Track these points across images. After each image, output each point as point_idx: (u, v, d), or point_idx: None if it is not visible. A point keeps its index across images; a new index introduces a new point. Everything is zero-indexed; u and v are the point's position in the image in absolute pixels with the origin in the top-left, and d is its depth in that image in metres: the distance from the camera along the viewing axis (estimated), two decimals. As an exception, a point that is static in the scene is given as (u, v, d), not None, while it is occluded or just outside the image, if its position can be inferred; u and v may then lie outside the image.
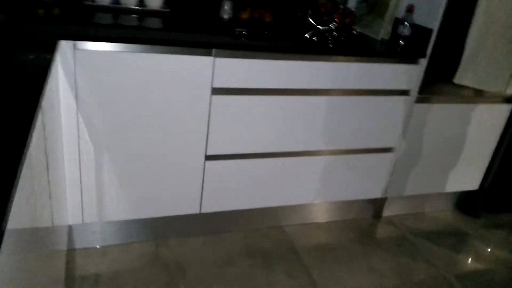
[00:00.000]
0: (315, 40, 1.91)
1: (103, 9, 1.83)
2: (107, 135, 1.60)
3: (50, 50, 1.27)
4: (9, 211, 0.60)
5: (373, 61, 1.84)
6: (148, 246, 1.86)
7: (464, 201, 2.46)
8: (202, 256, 1.85)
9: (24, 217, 0.81)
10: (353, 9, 2.19)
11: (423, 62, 1.91)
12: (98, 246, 1.82)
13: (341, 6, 2.18)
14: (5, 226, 0.57)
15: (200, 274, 1.75)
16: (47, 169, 1.19)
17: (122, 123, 1.59)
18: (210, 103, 1.67)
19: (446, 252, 2.11)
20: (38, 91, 0.95)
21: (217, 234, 2.00)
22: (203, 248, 1.90)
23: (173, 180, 1.76)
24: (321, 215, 2.21)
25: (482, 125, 2.18)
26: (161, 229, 1.91)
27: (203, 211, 1.88)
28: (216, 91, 1.66)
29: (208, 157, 1.77)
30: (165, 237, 1.92)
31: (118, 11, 1.84)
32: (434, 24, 1.87)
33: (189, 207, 1.85)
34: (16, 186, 0.65)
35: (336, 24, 2.05)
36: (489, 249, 2.19)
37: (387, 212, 2.32)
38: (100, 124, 1.57)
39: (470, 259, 2.10)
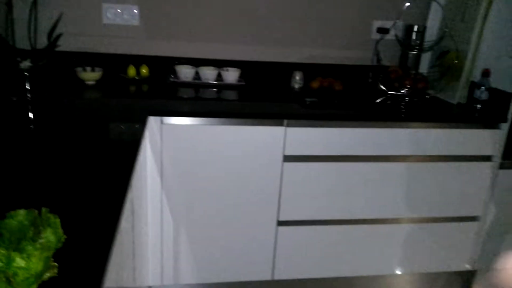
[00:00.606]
0: (387, 106, 1.91)
1: (185, 84, 2.01)
2: (186, 204, 1.70)
3: (139, 122, 1.42)
4: (106, 274, 0.66)
5: (450, 127, 1.79)
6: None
7: None
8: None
9: (112, 278, 0.87)
10: (425, 75, 2.18)
11: (505, 126, 1.82)
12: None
13: (412, 72, 2.19)
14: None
15: None
16: (133, 231, 1.28)
17: (200, 192, 1.69)
18: (282, 170, 1.71)
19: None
20: (131, 164, 1.06)
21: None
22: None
23: (246, 246, 1.79)
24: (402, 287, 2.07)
25: None
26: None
27: (275, 277, 1.86)
28: (287, 158, 1.71)
29: (280, 223, 1.78)
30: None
31: (198, 86, 2.01)
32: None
33: (261, 273, 1.85)
34: (111, 251, 0.72)
35: (407, 90, 2.05)
36: None
37: (476, 286, 2.11)
38: (179, 191, 1.67)
39: None
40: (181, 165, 1.65)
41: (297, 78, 2.11)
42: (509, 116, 1.81)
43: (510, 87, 1.82)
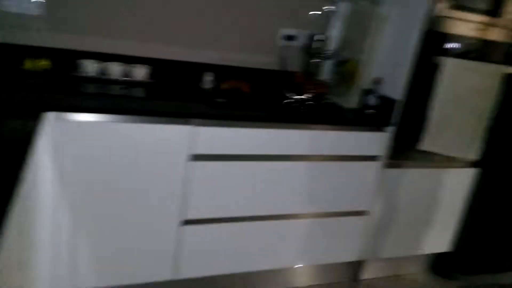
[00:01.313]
0: (291, 109, 2.04)
1: (90, 79, 1.94)
2: (86, 204, 1.64)
3: (35, 119, 1.35)
4: None
5: (344, 129, 1.96)
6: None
7: (437, 263, 2.51)
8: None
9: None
10: (326, 81, 2.36)
11: (390, 130, 2.04)
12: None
13: (315, 78, 2.35)
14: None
15: None
16: (21, 236, 1.22)
17: (98, 189, 1.64)
18: (190, 169, 1.74)
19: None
20: (21, 161, 1.02)
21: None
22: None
23: (146, 246, 1.78)
24: (300, 280, 2.22)
25: (451, 188, 2.29)
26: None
27: (180, 277, 1.88)
28: (197, 157, 1.74)
29: (188, 222, 1.81)
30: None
31: (104, 81, 1.95)
32: (398, 94, 2.02)
33: (162, 273, 1.85)
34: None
35: (310, 94, 2.20)
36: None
37: (365, 275, 2.35)
38: (76, 191, 1.62)
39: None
40: (81, 164, 1.59)
41: (208, 79, 2.15)
42: (393, 120, 2.04)
43: (396, 94, 2.04)
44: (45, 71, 1.91)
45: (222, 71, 2.24)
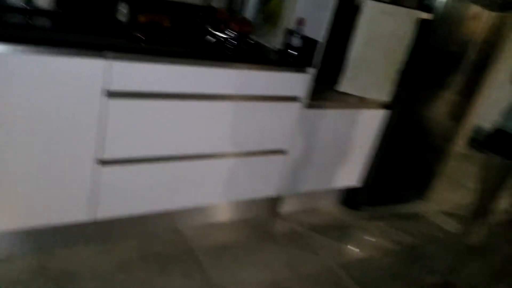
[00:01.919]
0: (214, 46, 1.98)
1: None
2: (-11, 141, 1.50)
3: None
4: None
5: (267, 69, 1.97)
6: (33, 258, 1.75)
7: (348, 197, 2.73)
8: (95, 265, 1.80)
9: None
10: (250, 19, 2.31)
11: (311, 71, 2.09)
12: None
13: (239, 15, 2.29)
14: None
15: (92, 283, 1.70)
16: None
17: (4, 125, 1.50)
18: (106, 107, 1.64)
19: (332, 244, 2.33)
20: None
21: (112, 242, 1.95)
22: (96, 257, 1.84)
23: (58, 186, 1.69)
24: (220, 216, 2.29)
25: (364, 128, 2.45)
26: (48, 239, 1.81)
27: (97, 217, 1.83)
28: (114, 94, 1.64)
29: (105, 162, 1.74)
30: (52, 247, 1.82)
31: (1, 8, 1.72)
32: (320, 36, 2.05)
33: (77, 214, 1.78)
34: None
35: (233, 32, 2.15)
36: (370, 239, 2.46)
37: (283, 209, 2.49)
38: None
39: (353, 249, 2.34)
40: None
41: (122, 10, 1.99)
42: (315, 62, 2.08)
43: (318, 36, 2.06)
44: None
45: (138, 3, 2.08)
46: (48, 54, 1.47)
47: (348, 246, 2.36)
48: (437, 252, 2.47)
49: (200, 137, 1.93)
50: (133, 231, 2.03)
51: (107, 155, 1.73)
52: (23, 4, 1.76)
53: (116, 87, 1.63)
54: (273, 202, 2.44)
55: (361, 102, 2.34)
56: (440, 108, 2.60)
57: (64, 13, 1.86)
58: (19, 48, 1.42)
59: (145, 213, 1.99)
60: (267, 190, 2.30)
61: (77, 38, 1.63)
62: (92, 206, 1.80)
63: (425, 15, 2.22)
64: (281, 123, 2.14)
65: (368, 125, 2.46)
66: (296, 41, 2.11)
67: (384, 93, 2.30)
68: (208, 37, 2.06)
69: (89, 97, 1.60)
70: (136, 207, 1.92)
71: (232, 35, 2.14)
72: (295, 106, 2.13)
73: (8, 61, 1.42)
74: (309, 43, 2.09)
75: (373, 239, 2.46)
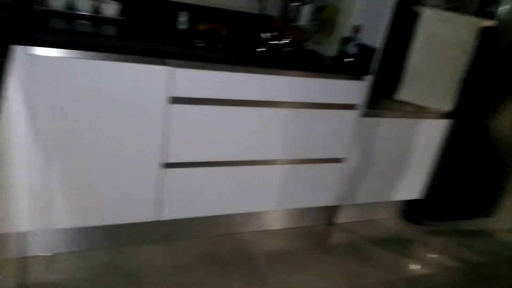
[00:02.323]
0: (269, 54, 1.99)
1: (56, 14, 1.81)
2: (59, 141, 1.57)
3: (4, 54, 1.25)
4: None
5: (323, 77, 1.94)
6: (103, 254, 1.83)
7: (408, 210, 2.60)
8: (159, 264, 1.84)
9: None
10: (304, 27, 2.31)
11: (368, 78, 2.04)
12: (49, 254, 1.77)
13: (293, 24, 2.29)
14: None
15: (157, 281, 1.75)
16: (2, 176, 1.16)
17: (74, 129, 1.58)
18: (169, 112, 1.69)
19: (392, 257, 2.22)
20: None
21: (174, 241, 1.99)
22: (161, 256, 1.89)
23: (127, 188, 1.76)
24: (277, 223, 2.26)
25: (424, 138, 2.34)
26: (116, 237, 1.88)
27: (161, 218, 1.87)
28: (177, 100, 1.69)
29: (169, 165, 1.78)
30: (121, 245, 1.89)
31: (72, 17, 1.83)
32: (378, 43, 2.01)
33: (144, 215, 1.84)
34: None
35: (288, 40, 2.15)
36: (431, 255, 2.32)
37: (340, 219, 2.41)
38: (51, 130, 1.55)
39: (413, 264, 2.22)
40: (54, 102, 1.51)
41: (183, 19, 2.06)
42: (372, 69, 2.03)
43: (375, 43, 2.02)
44: (7, 4, 1.76)
45: (197, 12, 2.14)
46: (114, 60, 1.54)
47: (409, 261, 2.23)
48: (505, 272, 2.28)
49: (257, 144, 1.93)
50: (194, 233, 2.06)
51: (171, 159, 1.78)
52: (92, 13, 1.87)
53: (179, 93, 1.68)
54: (329, 212, 2.37)
55: (421, 111, 2.25)
56: (506, 119, 2.45)
57: (129, 21, 1.95)
58: (88, 54, 1.50)
59: (205, 216, 2.01)
60: (323, 199, 2.24)
61: (142, 45, 1.70)
62: (157, 207, 1.85)
63: (487, 23, 2.11)
64: (338, 131, 2.09)
65: (428, 135, 2.35)
66: (352, 49, 2.09)
67: (445, 102, 2.19)
68: (264, 45, 2.08)
69: (154, 103, 1.66)
70: (197, 210, 1.95)
71: (287, 43, 2.15)
72: (351, 114, 2.08)
73: (78, 66, 1.50)
74: (366, 51, 2.05)
75: (435, 255, 2.32)
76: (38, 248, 1.76)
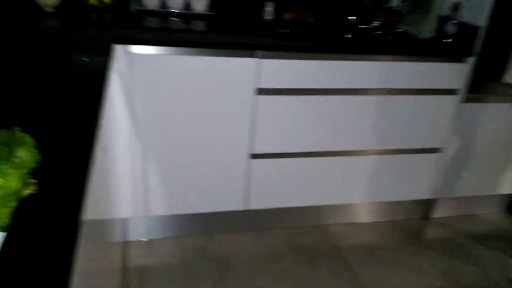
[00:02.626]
0: (358, 39, 1.90)
1: (151, 13, 1.91)
2: (155, 133, 1.67)
3: (103, 53, 1.34)
4: (85, 204, 0.64)
5: (419, 60, 1.82)
6: (196, 240, 1.93)
7: (515, 204, 2.37)
8: (248, 251, 1.89)
9: (90, 210, 0.86)
10: (396, 8, 2.17)
11: (471, 60, 1.86)
12: (145, 239, 1.90)
13: (384, 5, 2.16)
14: (82, 218, 0.61)
15: (246, 268, 1.79)
16: (107, 167, 1.25)
17: (168, 122, 1.66)
18: (256, 104, 1.70)
19: (496, 256, 2.03)
20: (99, 94, 1.01)
21: (263, 230, 2.03)
22: (249, 244, 1.94)
23: (217, 178, 1.82)
24: (366, 216, 2.19)
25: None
26: (208, 224, 1.97)
27: (249, 207, 1.91)
28: (262, 91, 1.69)
29: (255, 156, 1.81)
30: (212, 232, 1.98)
31: (165, 15, 1.91)
32: (481, 21, 1.82)
33: (233, 204, 1.89)
34: (89, 182, 0.70)
35: (379, 23, 2.04)
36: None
37: (436, 213, 2.27)
38: (148, 123, 1.64)
39: (523, 264, 2.02)
40: (150, 96, 1.60)
41: (269, 9, 2.04)
42: (475, 50, 1.85)
43: (478, 21, 1.83)
44: (107, 7, 1.89)
45: (283, 1, 2.11)
46: (205, 55, 1.58)
47: (516, 261, 2.04)
48: None
49: (346, 133, 1.87)
50: (281, 223, 2.07)
51: (257, 150, 1.79)
52: (183, 10, 1.93)
53: (265, 84, 1.68)
54: (424, 205, 2.24)
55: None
56: None
57: (217, 15, 1.98)
58: (181, 50, 1.56)
59: (293, 207, 2.01)
60: (417, 191, 2.12)
61: (230, 39, 1.72)
62: (245, 196, 1.89)
63: None
64: (435, 119, 1.95)
65: (541, 121, 2.10)
66: (451, 28, 1.92)
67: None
68: (353, 29, 1.99)
69: (243, 95, 1.68)
70: (284, 200, 1.96)
71: (378, 26, 2.04)
72: (451, 100, 1.92)
73: (172, 62, 1.57)
74: (467, 30, 1.87)
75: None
76: (137, 233, 1.89)
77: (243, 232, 2.00)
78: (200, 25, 1.87)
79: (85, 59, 1.31)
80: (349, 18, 2.07)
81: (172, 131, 1.68)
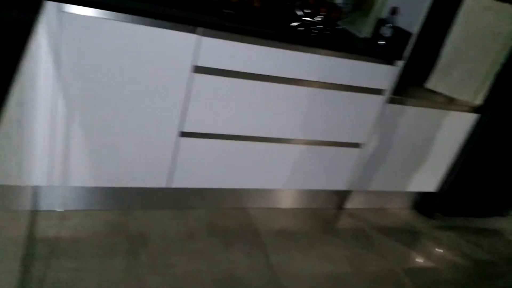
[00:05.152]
0: (301, 30, 1.93)
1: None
2: (82, 100, 1.59)
3: (34, 10, 1.25)
4: None
5: (353, 58, 1.89)
6: (113, 215, 1.88)
7: (422, 202, 2.58)
8: (166, 229, 1.89)
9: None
10: (340, 5, 2.22)
11: (400, 64, 1.97)
12: (61, 210, 1.82)
13: (329, 1, 2.21)
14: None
15: (162, 246, 1.79)
16: (22, 127, 1.19)
17: (98, 90, 1.59)
18: (191, 81, 1.68)
19: (398, 248, 2.22)
20: (20, 50, 0.95)
21: (183, 209, 2.03)
22: (168, 222, 1.93)
23: (144, 153, 1.78)
24: (286, 201, 2.27)
25: (448, 131, 2.29)
26: (127, 200, 1.93)
27: (172, 185, 1.90)
28: (199, 69, 1.67)
29: (184, 134, 1.79)
30: (130, 208, 1.94)
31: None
32: (414, 28, 1.93)
33: (157, 181, 1.87)
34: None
35: (322, 18, 2.08)
36: (438, 249, 2.32)
37: (349, 204, 2.41)
38: (76, 88, 1.56)
39: (419, 256, 2.22)
40: (81, 61, 1.51)
41: (216, -14, 2.00)
42: (405, 55, 1.96)
43: (412, 27, 1.94)
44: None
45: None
46: (145, 24, 1.53)
47: (415, 253, 2.24)
48: (509, 272, 2.27)
49: (276, 121, 1.91)
50: (203, 203, 2.09)
51: (186, 128, 1.78)
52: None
53: (203, 62, 1.66)
54: (340, 196, 2.37)
55: (450, 103, 2.18)
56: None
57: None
58: (119, 16, 1.49)
59: (216, 188, 2.04)
60: (336, 182, 2.23)
61: (173, 12, 1.67)
62: (170, 174, 1.87)
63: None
64: (360, 116, 2.05)
65: (454, 128, 2.29)
66: (386, 31, 2.01)
67: (477, 96, 2.12)
68: (297, 21, 2.02)
69: (178, 70, 1.65)
70: (208, 181, 1.97)
71: (321, 20, 2.08)
72: (377, 99, 2.04)
73: (108, 27, 1.49)
74: (401, 34, 1.97)
75: (442, 250, 2.32)
76: (51, 203, 1.81)
77: (164, 210, 1.99)
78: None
79: (13, 13, 1.22)
80: (295, 9, 2.10)
81: (101, 99, 1.61)
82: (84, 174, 1.74)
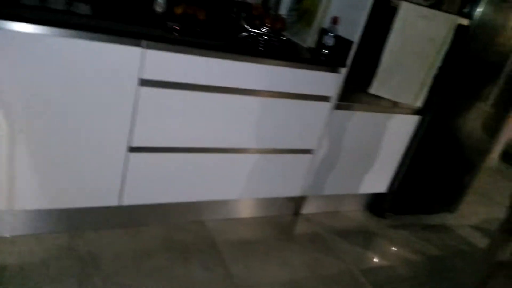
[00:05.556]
0: (248, 41, 1.97)
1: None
2: (25, 119, 1.53)
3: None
4: None
5: (299, 67, 1.94)
6: (61, 237, 1.80)
7: (373, 203, 2.67)
8: (120, 249, 1.83)
9: None
10: (284, 16, 2.29)
11: (343, 71, 2.05)
12: (7, 236, 1.73)
13: (273, 12, 2.28)
14: None
15: (116, 266, 1.73)
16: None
17: (41, 108, 1.53)
18: (138, 94, 1.66)
19: (354, 249, 2.28)
20: None
21: (137, 227, 1.98)
22: (121, 241, 1.88)
23: (92, 171, 1.72)
24: (243, 211, 2.28)
25: (394, 133, 2.39)
26: (76, 221, 1.86)
27: (123, 203, 1.85)
28: (146, 83, 1.65)
29: (133, 149, 1.76)
30: (80, 229, 1.87)
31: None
32: (355, 36, 2.02)
33: (107, 199, 1.81)
34: None
35: (267, 29, 2.14)
36: (392, 248, 2.40)
37: (305, 210, 2.45)
38: (17, 106, 1.50)
39: (375, 256, 2.29)
40: (21, 79, 1.46)
41: (160, 1, 2.01)
42: (348, 62, 2.04)
43: (352, 36, 2.03)
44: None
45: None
46: (87, 39, 1.50)
47: (371, 253, 2.30)
48: (463, 266, 2.39)
49: (227, 131, 1.92)
50: (158, 219, 2.05)
51: (136, 143, 1.75)
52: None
53: (149, 75, 1.65)
54: (296, 202, 2.41)
55: (394, 106, 2.29)
56: (474, 119, 2.52)
57: (104, 1, 1.89)
58: (60, 31, 1.45)
59: (170, 203, 2.00)
60: (291, 189, 2.27)
61: (116, 25, 1.65)
62: (121, 192, 1.82)
63: (464, 21, 2.15)
64: (309, 123, 2.11)
65: (399, 130, 2.40)
66: (329, 40, 2.09)
67: (417, 99, 2.24)
68: (242, 32, 2.06)
69: (124, 84, 1.62)
70: (162, 196, 1.93)
71: (266, 32, 2.13)
72: (324, 106, 2.10)
73: (49, 43, 1.45)
74: (343, 43, 2.06)
75: (396, 248, 2.40)
76: (-3, 228, 1.72)
77: (117, 229, 1.93)
78: (85, 9, 1.76)
79: None
80: (240, 20, 2.14)
81: (45, 118, 1.55)
82: (31, 197, 1.67)
